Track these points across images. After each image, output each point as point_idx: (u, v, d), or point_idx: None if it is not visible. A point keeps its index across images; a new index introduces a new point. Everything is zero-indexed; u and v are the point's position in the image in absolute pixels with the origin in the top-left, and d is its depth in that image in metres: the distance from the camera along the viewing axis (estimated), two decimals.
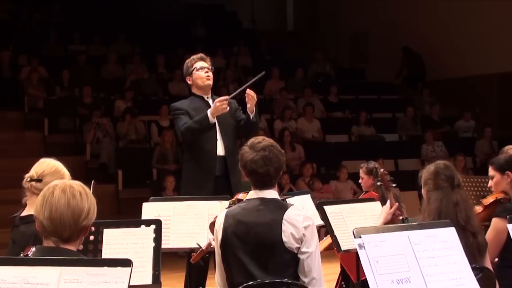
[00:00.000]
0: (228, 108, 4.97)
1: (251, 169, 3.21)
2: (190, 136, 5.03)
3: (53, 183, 2.53)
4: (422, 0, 14.50)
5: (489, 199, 4.31)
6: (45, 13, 15.65)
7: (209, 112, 4.96)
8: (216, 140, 5.06)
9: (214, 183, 5.00)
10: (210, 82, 5.16)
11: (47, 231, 2.45)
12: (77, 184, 2.53)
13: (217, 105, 4.92)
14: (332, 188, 10.12)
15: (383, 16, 15.28)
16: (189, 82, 5.21)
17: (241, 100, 5.21)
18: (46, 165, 3.36)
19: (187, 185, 5.14)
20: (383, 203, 4.59)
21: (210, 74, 5.16)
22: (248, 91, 4.96)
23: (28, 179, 3.33)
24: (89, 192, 2.53)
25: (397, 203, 4.24)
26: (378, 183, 4.90)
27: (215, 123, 5.02)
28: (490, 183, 4.14)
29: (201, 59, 5.16)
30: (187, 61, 5.21)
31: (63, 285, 2.20)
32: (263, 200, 3.24)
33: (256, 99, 4.98)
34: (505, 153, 4.71)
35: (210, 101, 5.16)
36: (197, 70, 5.12)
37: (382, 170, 4.44)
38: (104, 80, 12.85)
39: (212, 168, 5.03)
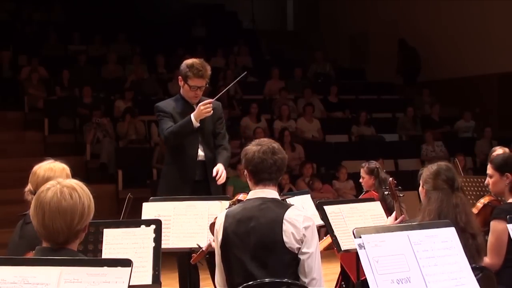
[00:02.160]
0: (212, 111, 4.92)
1: (260, 160, 3.22)
2: (173, 140, 5.02)
3: (48, 184, 2.49)
4: (422, 0, 14.50)
5: (478, 206, 4.33)
6: (45, 13, 15.64)
7: (192, 116, 4.92)
8: (198, 145, 5.06)
9: (191, 188, 4.96)
10: (197, 100, 5.08)
11: (42, 235, 2.43)
12: (68, 187, 2.44)
13: (201, 109, 4.88)
14: (334, 187, 10.12)
15: (383, 16, 15.27)
16: (180, 83, 5.15)
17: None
18: (38, 175, 3.40)
19: (163, 187, 5.12)
20: (388, 212, 4.59)
21: (200, 92, 5.07)
22: (220, 177, 4.90)
23: (29, 193, 3.38)
24: (83, 192, 2.46)
25: (403, 215, 4.22)
26: (386, 192, 4.88)
27: (198, 126, 4.98)
28: (488, 181, 4.07)
29: (200, 76, 4.99)
30: (187, 65, 5.03)
31: (63, 285, 2.20)
32: (263, 200, 3.24)
33: (223, 180, 4.94)
34: (495, 154, 4.69)
35: (195, 106, 5.11)
36: (190, 87, 5.03)
37: (391, 179, 4.38)
38: (104, 80, 12.84)
39: (192, 173, 5.03)
